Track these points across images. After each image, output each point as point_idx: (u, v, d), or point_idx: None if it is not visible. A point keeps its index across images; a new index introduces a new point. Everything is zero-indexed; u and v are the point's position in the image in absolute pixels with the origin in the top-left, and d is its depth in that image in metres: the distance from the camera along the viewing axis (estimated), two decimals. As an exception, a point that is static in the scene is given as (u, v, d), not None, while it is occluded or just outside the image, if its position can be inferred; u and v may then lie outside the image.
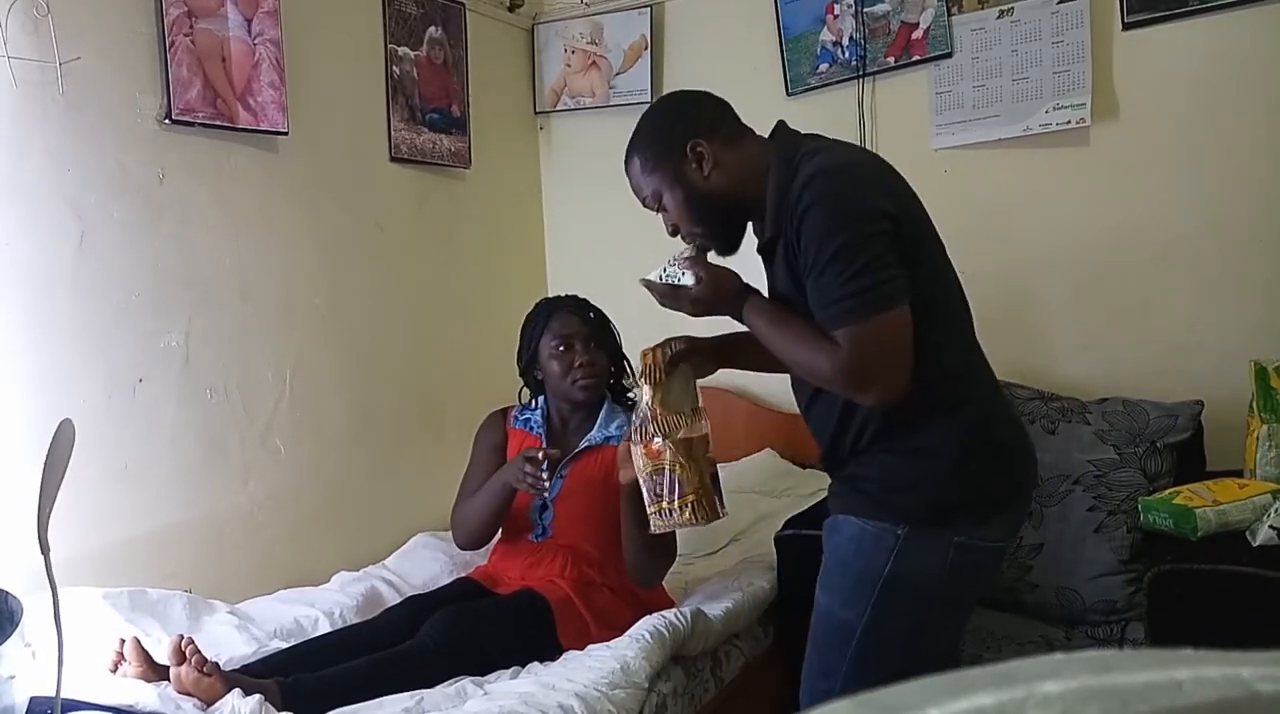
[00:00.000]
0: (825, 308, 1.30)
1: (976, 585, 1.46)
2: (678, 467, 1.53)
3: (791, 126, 1.49)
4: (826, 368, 1.30)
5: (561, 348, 2.02)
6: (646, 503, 1.58)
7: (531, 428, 2.12)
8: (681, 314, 1.49)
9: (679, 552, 2.35)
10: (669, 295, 1.46)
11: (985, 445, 1.39)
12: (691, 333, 1.60)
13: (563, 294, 2.17)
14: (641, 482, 1.59)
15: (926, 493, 1.37)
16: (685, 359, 1.57)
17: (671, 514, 1.56)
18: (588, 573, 1.99)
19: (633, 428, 1.60)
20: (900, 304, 1.28)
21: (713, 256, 1.51)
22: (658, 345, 1.56)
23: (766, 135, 1.49)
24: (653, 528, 1.60)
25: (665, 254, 2.89)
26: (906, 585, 1.37)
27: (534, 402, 2.15)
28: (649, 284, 1.48)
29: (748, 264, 1.50)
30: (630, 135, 1.51)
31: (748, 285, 1.46)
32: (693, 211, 1.45)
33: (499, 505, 1.99)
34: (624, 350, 2.13)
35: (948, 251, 1.45)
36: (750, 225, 1.49)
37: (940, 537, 1.37)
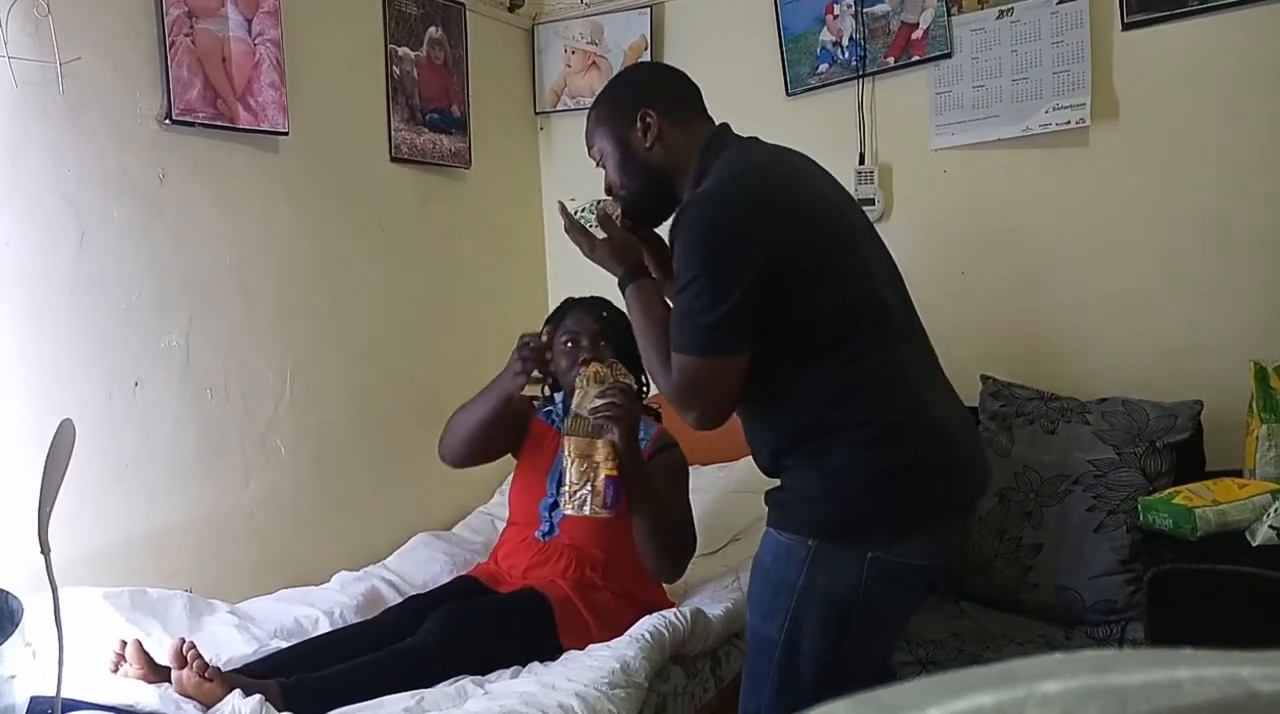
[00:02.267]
0: (673, 328, 1.36)
1: (899, 604, 1.43)
2: (570, 461, 1.81)
3: (736, 131, 1.51)
4: (663, 381, 1.39)
5: (569, 343, 2.05)
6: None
7: (553, 421, 2.14)
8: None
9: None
10: (575, 230, 1.53)
11: (897, 462, 1.35)
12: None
13: (589, 296, 2.18)
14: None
15: (834, 506, 1.36)
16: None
17: (561, 498, 1.84)
18: (590, 576, 1.99)
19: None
20: (734, 355, 1.32)
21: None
22: (603, 361, 1.89)
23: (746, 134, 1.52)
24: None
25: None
26: (819, 598, 1.36)
27: (553, 397, 2.15)
28: (564, 210, 1.55)
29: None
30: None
31: (645, 267, 1.52)
32: (624, 174, 1.51)
33: (489, 413, 2.01)
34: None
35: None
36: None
37: (852, 551, 1.35)
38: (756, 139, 1.51)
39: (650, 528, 1.90)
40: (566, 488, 1.81)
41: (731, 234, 1.32)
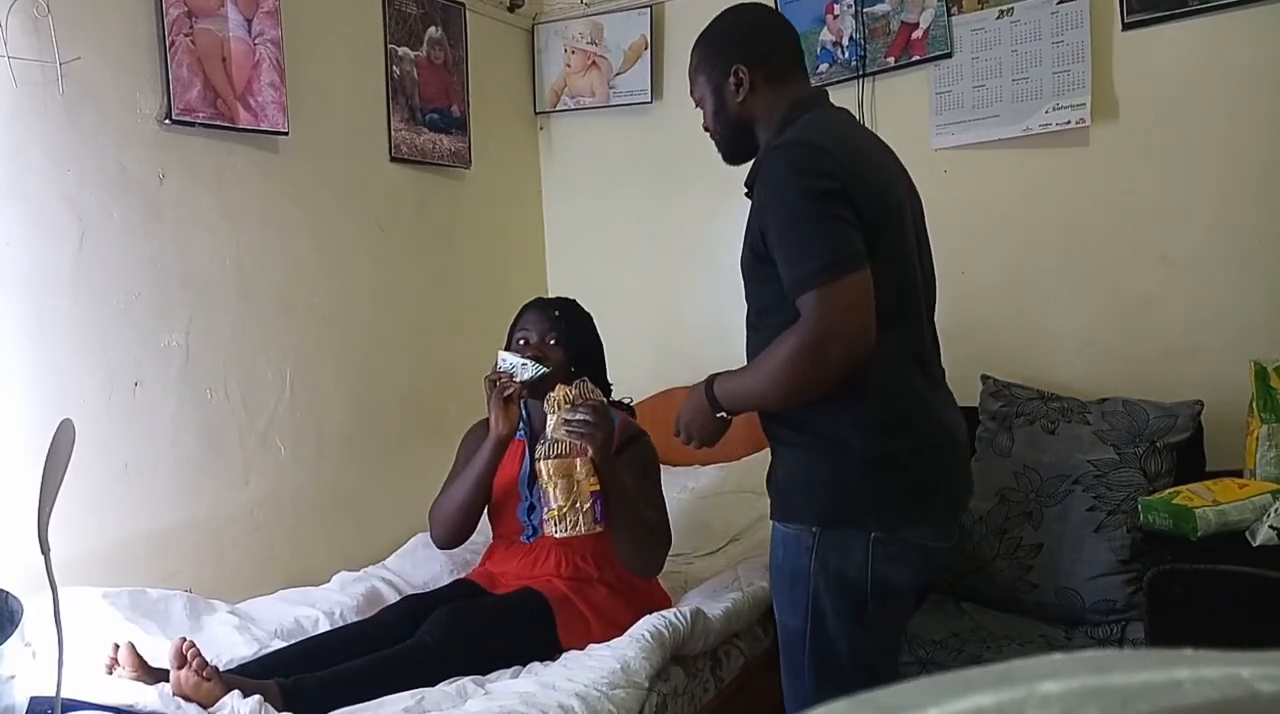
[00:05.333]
0: (790, 283, 1.33)
1: (908, 576, 1.44)
2: (551, 484, 1.84)
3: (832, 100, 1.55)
4: (791, 349, 1.31)
5: (522, 342, 2.04)
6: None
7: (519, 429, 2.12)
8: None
9: (679, 551, 2.36)
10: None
11: (897, 445, 1.39)
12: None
13: (558, 296, 2.17)
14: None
15: (831, 493, 1.41)
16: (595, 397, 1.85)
17: (547, 524, 1.86)
18: (584, 569, 1.99)
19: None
20: (860, 268, 1.30)
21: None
22: (571, 383, 1.88)
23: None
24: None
25: (664, 253, 2.90)
26: (833, 579, 1.40)
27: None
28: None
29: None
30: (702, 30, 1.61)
31: (704, 383, 1.49)
32: (716, 120, 1.57)
33: (487, 471, 1.99)
34: (603, 352, 2.13)
35: (929, 249, 1.53)
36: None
37: (856, 535, 1.39)
38: (847, 110, 1.56)
39: (628, 532, 1.92)
40: (553, 511, 1.84)
41: (817, 167, 1.35)
